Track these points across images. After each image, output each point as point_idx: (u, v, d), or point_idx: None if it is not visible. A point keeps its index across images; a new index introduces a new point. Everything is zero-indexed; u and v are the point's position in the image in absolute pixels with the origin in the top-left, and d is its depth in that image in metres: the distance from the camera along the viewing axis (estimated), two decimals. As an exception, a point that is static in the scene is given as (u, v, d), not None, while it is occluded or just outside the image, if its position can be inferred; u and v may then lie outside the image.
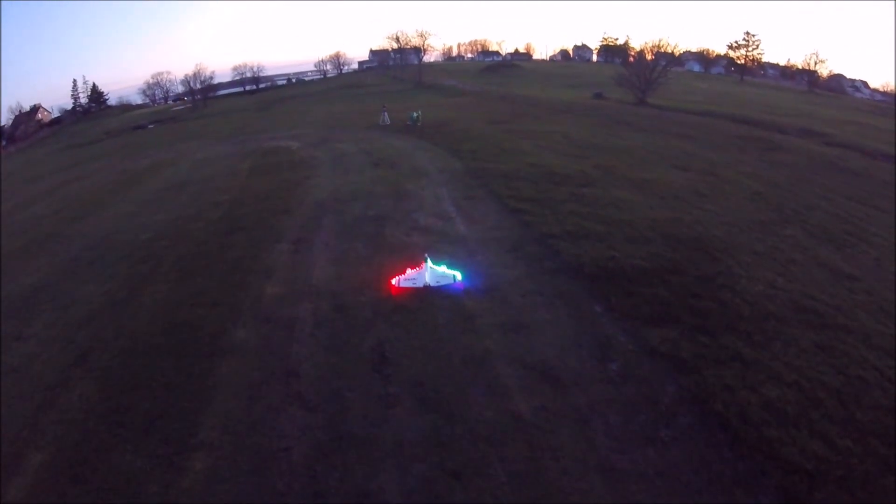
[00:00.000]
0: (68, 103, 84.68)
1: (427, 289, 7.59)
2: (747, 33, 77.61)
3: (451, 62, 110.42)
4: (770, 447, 4.65)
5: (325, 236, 10.29)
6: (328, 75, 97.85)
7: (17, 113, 77.68)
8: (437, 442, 4.89)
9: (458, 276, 7.80)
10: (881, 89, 78.10)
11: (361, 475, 4.61)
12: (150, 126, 52.00)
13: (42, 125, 76.74)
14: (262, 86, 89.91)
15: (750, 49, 78.21)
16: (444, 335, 6.54)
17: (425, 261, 7.92)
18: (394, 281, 7.82)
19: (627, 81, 36.08)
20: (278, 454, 4.89)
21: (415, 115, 25.23)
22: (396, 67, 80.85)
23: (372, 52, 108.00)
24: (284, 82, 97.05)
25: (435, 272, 7.82)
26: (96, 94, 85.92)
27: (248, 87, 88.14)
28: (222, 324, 7.16)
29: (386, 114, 27.21)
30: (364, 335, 6.64)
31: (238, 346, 6.64)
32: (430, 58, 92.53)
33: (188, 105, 70.02)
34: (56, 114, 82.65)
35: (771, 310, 6.99)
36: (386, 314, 7.09)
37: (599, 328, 6.52)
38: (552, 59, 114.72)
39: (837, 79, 79.04)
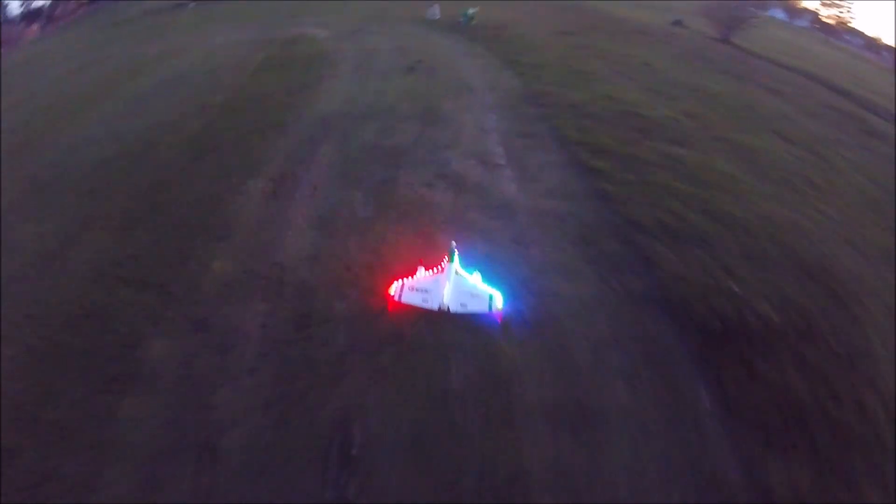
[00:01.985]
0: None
1: (443, 314, 4.90)
2: (844, -7, 66.52)
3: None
4: None
5: (316, 175, 7.77)
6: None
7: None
8: None
9: (498, 298, 4.96)
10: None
11: None
12: (191, 5, 47.81)
13: (82, 3, 72.63)
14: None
15: (843, 10, 67.62)
16: (456, 414, 4.10)
17: (450, 256, 5.21)
18: (392, 290, 5.10)
19: (714, 13, 30.42)
20: None
21: (470, 11, 21.02)
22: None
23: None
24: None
25: (461, 286, 5.03)
26: (143, -32, 79.63)
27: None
28: (140, 325, 5.06)
29: (437, 7, 23.07)
30: (328, 390, 4.34)
31: (150, 371, 4.59)
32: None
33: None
34: (99, -11, 77.65)
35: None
36: (369, 349, 4.69)
37: (706, 443, 4.00)
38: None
39: (931, 65, 66.68)
